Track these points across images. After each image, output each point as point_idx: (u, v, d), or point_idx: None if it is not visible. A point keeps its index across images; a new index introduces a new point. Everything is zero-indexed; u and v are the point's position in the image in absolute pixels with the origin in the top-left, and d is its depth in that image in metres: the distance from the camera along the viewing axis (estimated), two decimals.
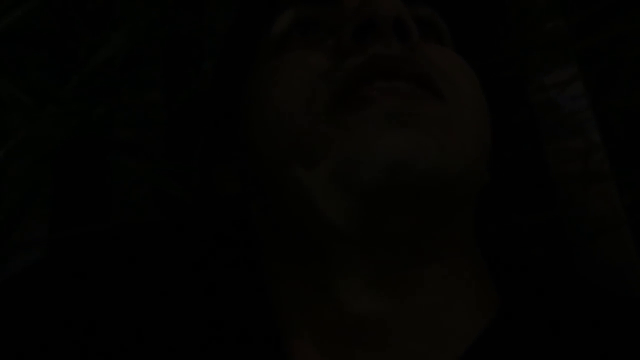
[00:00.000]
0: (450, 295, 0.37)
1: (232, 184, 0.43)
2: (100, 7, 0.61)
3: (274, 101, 0.37)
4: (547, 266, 0.45)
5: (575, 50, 0.57)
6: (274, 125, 0.37)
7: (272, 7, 0.42)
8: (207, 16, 0.64)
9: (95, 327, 0.37)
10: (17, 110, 0.57)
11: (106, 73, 0.59)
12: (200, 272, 0.41)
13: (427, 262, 0.36)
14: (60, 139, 0.57)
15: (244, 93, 0.41)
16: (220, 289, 0.39)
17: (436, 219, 0.35)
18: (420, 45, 0.38)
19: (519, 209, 0.55)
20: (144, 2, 0.58)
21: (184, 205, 0.56)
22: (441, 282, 0.37)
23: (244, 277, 0.40)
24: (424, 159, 0.33)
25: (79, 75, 0.57)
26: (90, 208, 0.58)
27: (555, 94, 0.57)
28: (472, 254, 0.40)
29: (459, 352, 0.35)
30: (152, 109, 0.60)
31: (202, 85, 0.61)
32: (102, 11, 0.61)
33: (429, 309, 0.36)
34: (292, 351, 0.37)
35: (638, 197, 0.54)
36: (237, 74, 0.44)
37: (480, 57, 0.56)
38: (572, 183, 0.54)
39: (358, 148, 0.33)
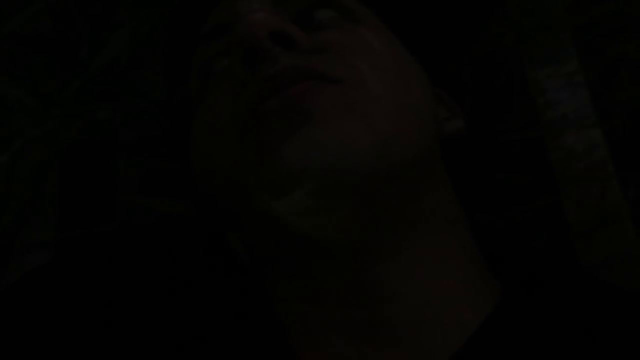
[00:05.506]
0: (443, 287, 0.37)
1: None
2: (101, 10, 0.62)
3: (198, 150, 0.40)
4: (549, 258, 0.45)
5: (575, 45, 0.57)
6: (203, 170, 0.39)
7: (186, 59, 0.43)
8: None
9: (103, 329, 0.37)
10: (22, 112, 0.58)
11: (109, 75, 0.59)
12: (206, 274, 0.41)
13: (407, 255, 0.36)
14: (64, 141, 0.57)
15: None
16: (226, 293, 0.40)
17: (384, 205, 0.35)
18: (314, 38, 0.37)
19: (520, 203, 0.55)
20: (145, 5, 0.59)
21: (188, 206, 0.56)
22: (431, 274, 0.37)
23: (246, 280, 0.41)
24: (324, 157, 0.33)
25: (82, 78, 0.58)
26: (96, 209, 0.58)
27: (556, 89, 0.57)
28: (460, 242, 0.40)
29: (459, 344, 0.35)
30: (155, 110, 0.60)
31: None
32: (103, 14, 0.61)
33: (425, 303, 0.36)
34: (302, 353, 0.37)
35: None
36: (180, 125, 0.46)
37: (477, 48, 0.56)
38: (574, 177, 0.54)
39: (263, 166, 0.34)
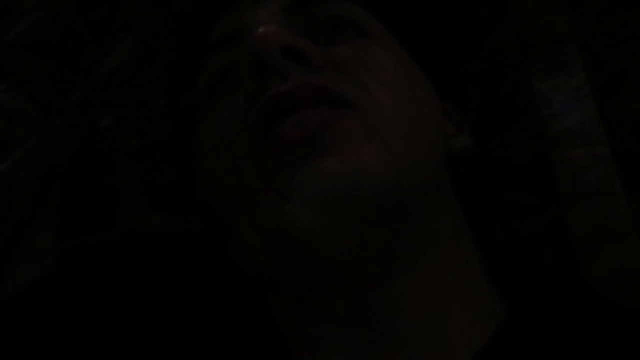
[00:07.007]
0: (450, 305, 0.37)
1: None
2: (104, 17, 0.62)
3: (205, 162, 0.39)
4: (554, 273, 0.44)
5: (582, 58, 0.57)
6: (210, 183, 0.39)
7: (192, 66, 0.43)
8: None
9: (103, 339, 0.37)
10: (23, 121, 0.58)
11: (112, 83, 0.59)
12: (208, 284, 0.41)
13: (414, 273, 0.36)
14: (66, 150, 0.57)
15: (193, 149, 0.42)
16: (228, 303, 0.40)
17: (394, 228, 0.35)
18: (326, 53, 0.37)
19: (526, 217, 0.54)
20: (149, 11, 0.59)
21: (189, 213, 0.56)
22: (437, 291, 0.37)
23: (249, 292, 0.40)
24: (339, 187, 0.33)
25: (84, 87, 0.58)
26: (97, 218, 0.58)
27: (562, 102, 0.57)
28: (466, 259, 0.39)
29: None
30: (157, 118, 0.60)
31: None
32: (106, 22, 0.61)
33: (431, 321, 0.36)
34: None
35: None
36: (185, 132, 0.46)
37: (483, 61, 0.56)
38: (580, 191, 0.54)
39: (276, 192, 0.34)
